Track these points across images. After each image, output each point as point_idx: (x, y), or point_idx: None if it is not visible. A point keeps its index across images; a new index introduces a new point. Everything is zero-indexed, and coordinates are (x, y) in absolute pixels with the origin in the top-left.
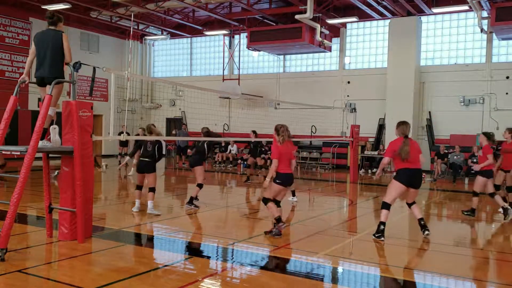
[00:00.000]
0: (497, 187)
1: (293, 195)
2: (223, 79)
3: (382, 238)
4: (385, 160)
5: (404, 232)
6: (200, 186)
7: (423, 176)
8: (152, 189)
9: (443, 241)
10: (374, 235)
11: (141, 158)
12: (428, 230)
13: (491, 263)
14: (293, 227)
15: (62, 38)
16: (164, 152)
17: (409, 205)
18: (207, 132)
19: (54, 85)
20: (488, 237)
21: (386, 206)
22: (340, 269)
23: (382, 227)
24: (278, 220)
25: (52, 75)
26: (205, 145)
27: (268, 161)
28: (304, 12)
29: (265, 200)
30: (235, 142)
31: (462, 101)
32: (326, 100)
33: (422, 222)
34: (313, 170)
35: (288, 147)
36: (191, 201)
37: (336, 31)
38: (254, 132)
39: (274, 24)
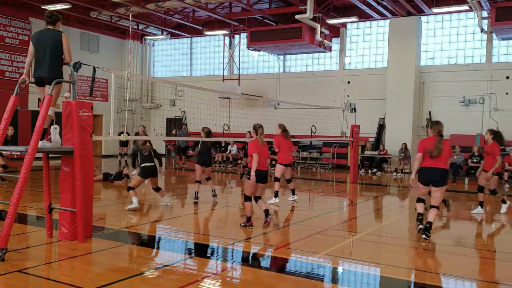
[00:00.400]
0: (481, 189)
1: (293, 193)
2: (223, 79)
3: (420, 226)
4: (418, 155)
5: (404, 232)
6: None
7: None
8: (158, 189)
9: (443, 241)
10: (419, 230)
11: (145, 165)
12: (427, 235)
13: (491, 263)
14: (293, 227)
15: (61, 38)
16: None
17: (430, 206)
18: (209, 132)
19: (55, 85)
20: (488, 237)
21: (419, 200)
22: (340, 269)
23: (419, 217)
24: (248, 219)
25: (51, 75)
26: (209, 145)
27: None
28: (304, 12)
29: (245, 198)
30: (235, 142)
31: (462, 101)
32: (326, 100)
33: (428, 225)
34: (313, 170)
35: (265, 146)
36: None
37: (336, 31)
38: (250, 132)
39: (274, 24)
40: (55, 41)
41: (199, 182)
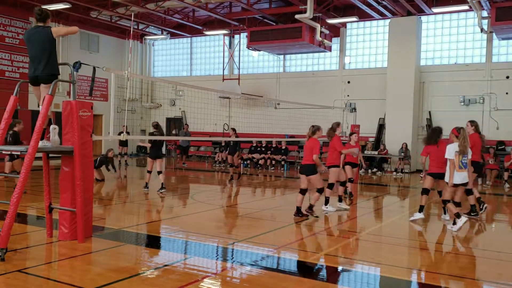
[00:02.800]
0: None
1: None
2: (223, 79)
3: None
4: None
5: (404, 232)
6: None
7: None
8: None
9: (443, 240)
10: None
11: None
12: None
13: (490, 263)
14: (293, 227)
15: (51, 33)
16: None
17: None
18: (157, 125)
19: (49, 84)
20: (488, 237)
21: None
22: (340, 269)
23: None
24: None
25: (45, 72)
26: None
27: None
28: (304, 12)
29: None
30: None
31: (462, 101)
32: (326, 100)
33: None
34: None
35: None
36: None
37: (336, 31)
38: (234, 130)
39: (274, 24)
40: (45, 37)
41: (150, 172)
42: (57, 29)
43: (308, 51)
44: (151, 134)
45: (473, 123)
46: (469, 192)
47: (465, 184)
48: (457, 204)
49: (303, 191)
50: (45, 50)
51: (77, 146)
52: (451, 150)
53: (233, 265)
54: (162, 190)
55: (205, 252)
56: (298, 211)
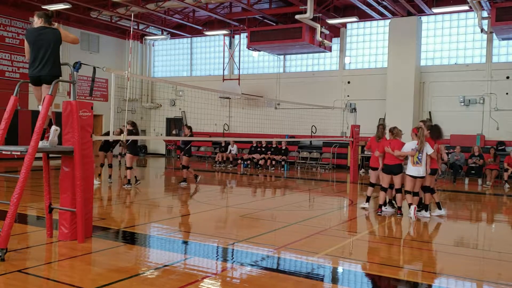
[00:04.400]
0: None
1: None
2: (223, 79)
3: None
4: None
5: (403, 232)
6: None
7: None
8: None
9: (443, 241)
10: None
11: None
12: None
13: (491, 263)
14: (293, 227)
15: (60, 35)
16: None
17: None
18: (134, 123)
19: (52, 84)
20: (488, 237)
21: None
22: (340, 269)
23: None
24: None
25: (52, 73)
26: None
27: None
28: (304, 12)
29: (399, 191)
30: (235, 142)
31: (462, 101)
32: (326, 100)
33: None
34: (313, 170)
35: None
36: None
37: (336, 31)
38: (189, 128)
39: (274, 24)
40: (55, 39)
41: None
42: (65, 34)
43: (308, 51)
44: (130, 132)
45: (429, 127)
46: (430, 190)
47: (421, 177)
48: (415, 194)
49: (384, 189)
50: (53, 51)
51: (77, 146)
52: (407, 147)
53: (233, 265)
54: (128, 186)
55: (205, 252)
56: (380, 208)
